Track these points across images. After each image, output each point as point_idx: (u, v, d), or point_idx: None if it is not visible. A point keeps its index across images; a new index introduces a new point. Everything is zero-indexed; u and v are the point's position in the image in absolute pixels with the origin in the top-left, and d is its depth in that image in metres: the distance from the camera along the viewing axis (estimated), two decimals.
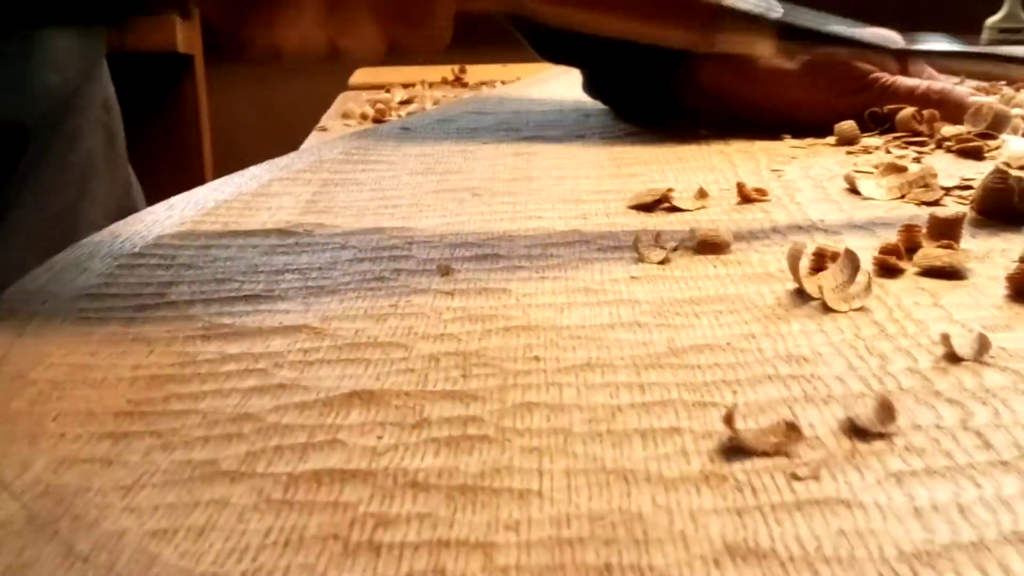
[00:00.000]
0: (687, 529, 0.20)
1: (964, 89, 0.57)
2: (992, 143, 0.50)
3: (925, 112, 0.53)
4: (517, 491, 0.21)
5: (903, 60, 0.42)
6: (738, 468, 0.22)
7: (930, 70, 0.58)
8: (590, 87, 0.64)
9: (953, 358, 0.26)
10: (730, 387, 0.26)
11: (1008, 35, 1.07)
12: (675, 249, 0.36)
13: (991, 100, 0.54)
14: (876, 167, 0.46)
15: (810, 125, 0.55)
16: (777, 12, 0.40)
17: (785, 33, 0.40)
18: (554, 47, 0.62)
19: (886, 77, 0.55)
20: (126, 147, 0.61)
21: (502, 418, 0.24)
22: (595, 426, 0.24)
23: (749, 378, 0.26)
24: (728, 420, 0.23)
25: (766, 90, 0.56)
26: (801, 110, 0.55)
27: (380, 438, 0.23)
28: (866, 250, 0.34)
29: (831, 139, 0.54)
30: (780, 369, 0.26)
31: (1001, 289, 0.31)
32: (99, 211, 0.56)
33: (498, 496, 0.21)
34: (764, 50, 0.40)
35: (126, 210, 0.59)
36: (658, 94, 0.59)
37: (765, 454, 0.22)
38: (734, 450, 0.22)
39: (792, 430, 0.23)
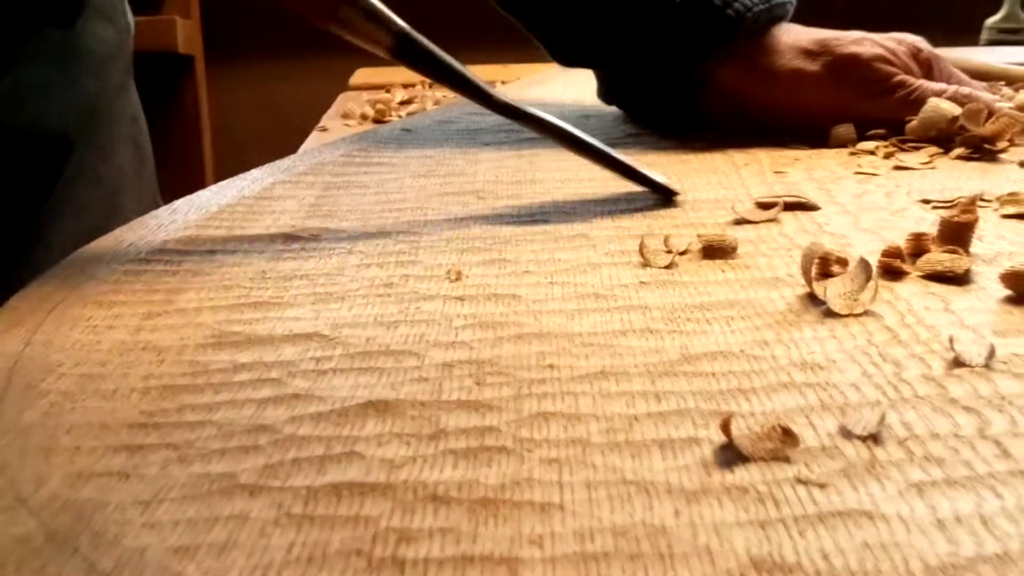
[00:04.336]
0: (712, 543, 0.20)
1: (991, 95, 0.56)
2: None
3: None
4: (539, 504, 0.21)
5: (507, 112, 0.43)
6: (759, 479, 0.22)
7: (958, 73, 0.57)
8: (606, 93, 0.63)
9: (962, 364, 0.26)
10: (745, 395, 0.26)
11: (1008, 35, 1.08)
12: (683, 253, 0.36)
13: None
14: None
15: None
16: (399, 25, 0.40)
17: (400, 46, 0.40)
18: (570, 50, 0.61)
19: (911, 81, 0.54)
20: (154, 163, 0.61)
21: (519, 428, 0.24)
22: (613, 436, 0.24)
23: (764, 386, 0.26)
24: (724, 427, 0.23)
25: (788, 93, 0.55)
26: (823, 113, 0.54)
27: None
28: (873, 254, 0.34)
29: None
30: (795, 377, 0.26)
31: (1010, 292, 0.31)
32: (133, 199, 0.56)
33: (520, 509, 0.21)
34: (377, 51, 0.41)
35: (155, 200, 0.59)
36: (677, 98, 0.58)
37: (761, 459, 0.22)
38: (756, 461, 0.22)
39: (788, 435, 0.23)
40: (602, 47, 0.58)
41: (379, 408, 0.26)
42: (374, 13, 0.40)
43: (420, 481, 0.22)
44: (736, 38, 0.54)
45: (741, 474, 0.22)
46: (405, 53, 0.41)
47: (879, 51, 0.54)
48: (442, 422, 0.25)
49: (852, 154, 0.51)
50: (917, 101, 0.53)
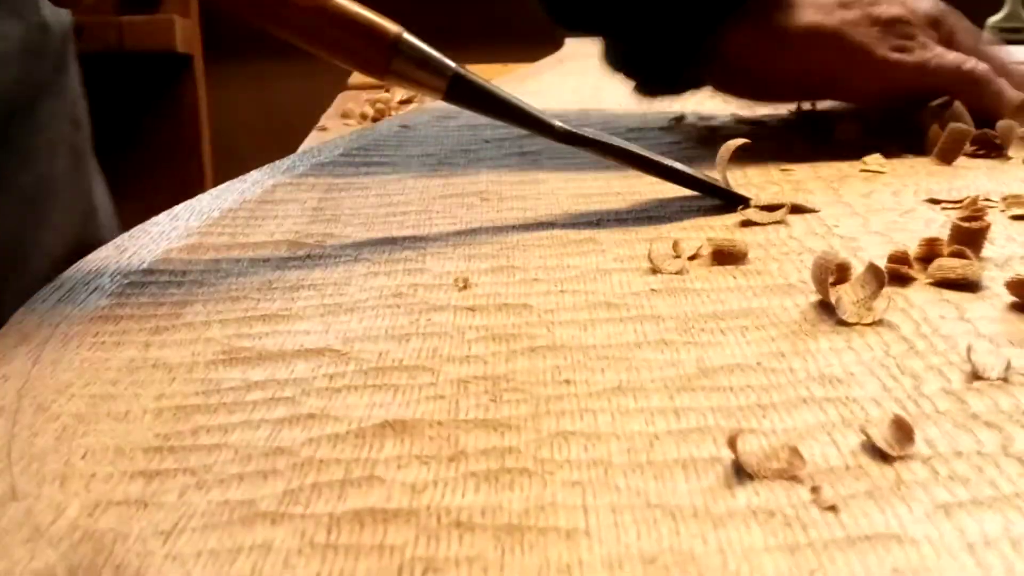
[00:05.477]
0: (742, 570, 0.19)
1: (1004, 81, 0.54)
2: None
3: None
4: (564, 530, 0.21)
5: (570, 140, 0.42)
6: (785, 502, 0.22)
7: (983, 45, 0.55)
8: (610, 58, 0.60)
9: (980, 377, 0.26)
10: (764, 412, 0.25)
11: (1009, 35, 1.08)
12: (692, 258, 0.36)
13: None
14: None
15: (850, 98, 0.53)
16: (451, 68, 0.40)
17: (453, 89, 0.40)
18: (573, 14, 0.58)
19: (931, 44, 0.52)
20: (96, 168, 0.56)
21: (539, 448, 0.24)
22: (634, 456, 0.24)
23: (784, 402, 0.26)
24: (731, 444, 0.23)
25: (803, 56, 0.53)
26: (840, 72, 0.53)
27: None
28: (883, 258, 0.34)
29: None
30: (814, 391, 0.26)
31: (1017, 299, 0.31)
32: (56, 239, 0.51)
33: (545, 536, 0.21)
34: (432, 96, 0.41)
35: (87, 238, 0.54)
36: (685, 66, 0.55)
37: (766, 479, 0.22)
38: (780, 482, 0.22)
39: (795, 455, 0.23)
40: (607, 11, 0.56)
41: (396, 428, 0.25)
42: (426, 60, 0.40)
43: (443, 506, 0.22)
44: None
45: (766, 496, 0.22)
46: (459, 95, 0.40)
47: (899, 12, 0.53)
48: (461, 442, 0.25)
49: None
50: (934, 69, 0.52)
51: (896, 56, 0.52)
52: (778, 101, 0.58)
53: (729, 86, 0.56)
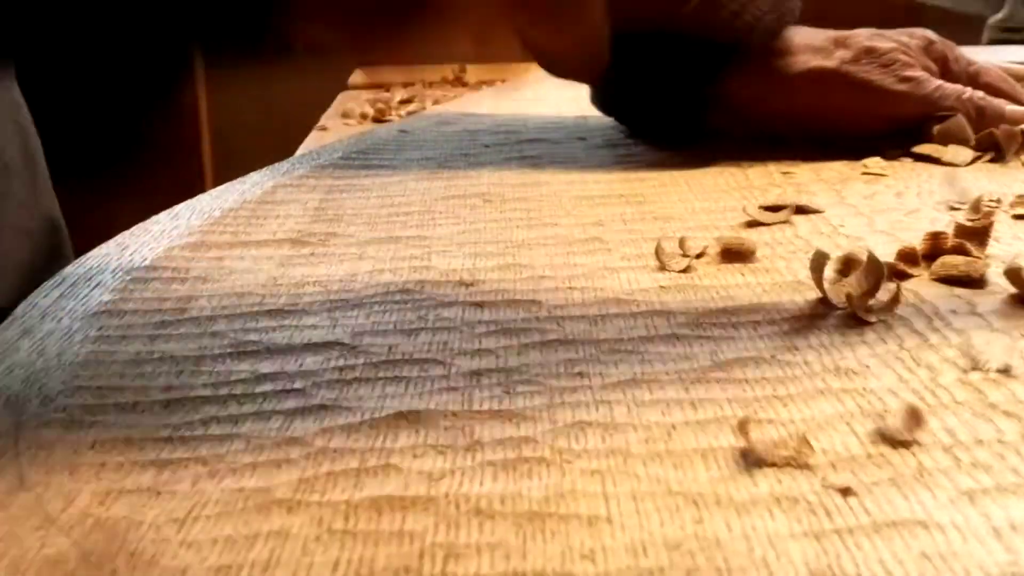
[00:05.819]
0: (768, 556, 0.19)
1: (1002, 101, 0.54)
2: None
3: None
4: (586, 517, 0.21)
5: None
6: (807, 489, 0.21)
7: (977, 63, 0.56)
8: (600, 101, 0.60)
9: (996, 368, 0.26)
10: (782, 402, 0.25)
11: (1009, 35, 1.08)
12: (699, 256, 0.36)
13: None
14: None
15: (854, 134, 0.52)
16: None
17: None
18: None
19: (932, 78, 0.53)
20: (43, 153, 0.54)
21: (556, 439, 0.24)
22: (653, 446, 0.23)
23: (800, 393, 0.26)
24: (742, 429, 0.23)
25: (808, 94, 0.53)
26: (846, 113, 0.53)
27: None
28: (890, 256, 0.34)
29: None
30: (830, 383, 0.26)
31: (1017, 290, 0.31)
32: (23, 214, 0.49)
33: (567, 523, 0.21)
34: None
35: (52, 221, 0.52)
36: (685, 112, 0.55)
37: (775, 465, 0.22)
38: (801, 470, 0.22)
39: (804, 443, 0.23)
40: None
41: (411, 419, 0.25)
42: None
43: (461, 494, 0.22)
44: (751, 47, 0.53)
45: (789, 484, 0.22)
46: None
47: (893, 45, 0.54)
48: (476, 433, 0.24)
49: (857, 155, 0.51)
50: (936, 101, 0.52)
51: (901, 87, 0.53)
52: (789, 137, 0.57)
53: (731, 129, 0.55)
